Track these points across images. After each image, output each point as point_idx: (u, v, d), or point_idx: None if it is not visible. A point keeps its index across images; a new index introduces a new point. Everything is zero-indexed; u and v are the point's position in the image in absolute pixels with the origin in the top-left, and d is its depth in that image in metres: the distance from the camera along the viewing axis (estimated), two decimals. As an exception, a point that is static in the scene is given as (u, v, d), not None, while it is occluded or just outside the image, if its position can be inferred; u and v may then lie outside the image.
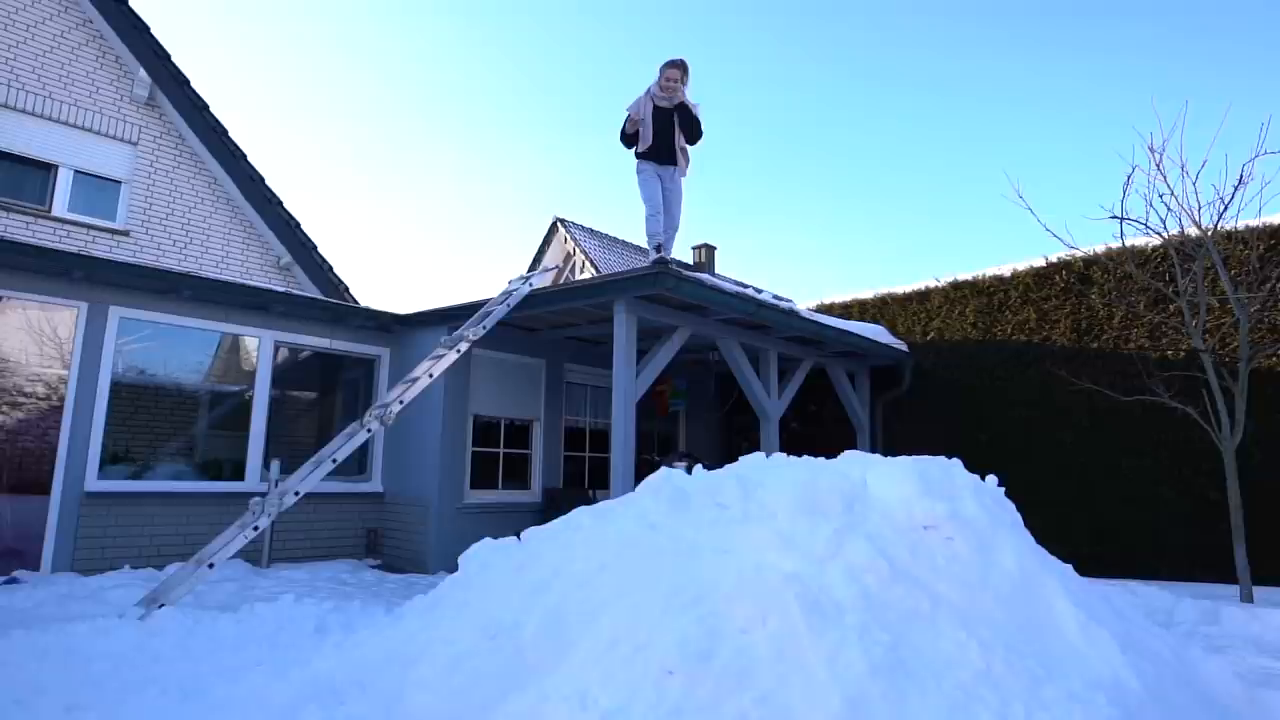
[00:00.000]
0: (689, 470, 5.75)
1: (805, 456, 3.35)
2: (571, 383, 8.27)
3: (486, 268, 57.73)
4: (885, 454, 7.89)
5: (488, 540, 3.50)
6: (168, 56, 8.49)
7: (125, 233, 8.31)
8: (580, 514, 3.22)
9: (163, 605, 4.06)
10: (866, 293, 8.72)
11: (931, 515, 2.64)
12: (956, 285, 7.89)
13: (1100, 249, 6.79)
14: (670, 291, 5.22)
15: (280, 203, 9.16)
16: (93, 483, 5.78)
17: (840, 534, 2.45)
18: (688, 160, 5.77)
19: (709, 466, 7.33)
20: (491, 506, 7.29)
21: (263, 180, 9.04)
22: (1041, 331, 7.22)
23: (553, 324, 7.13)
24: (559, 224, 15.63)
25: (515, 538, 3.52)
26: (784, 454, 3.85)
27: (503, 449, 7.66)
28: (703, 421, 9.55)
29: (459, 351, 5.51)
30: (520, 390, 7.72)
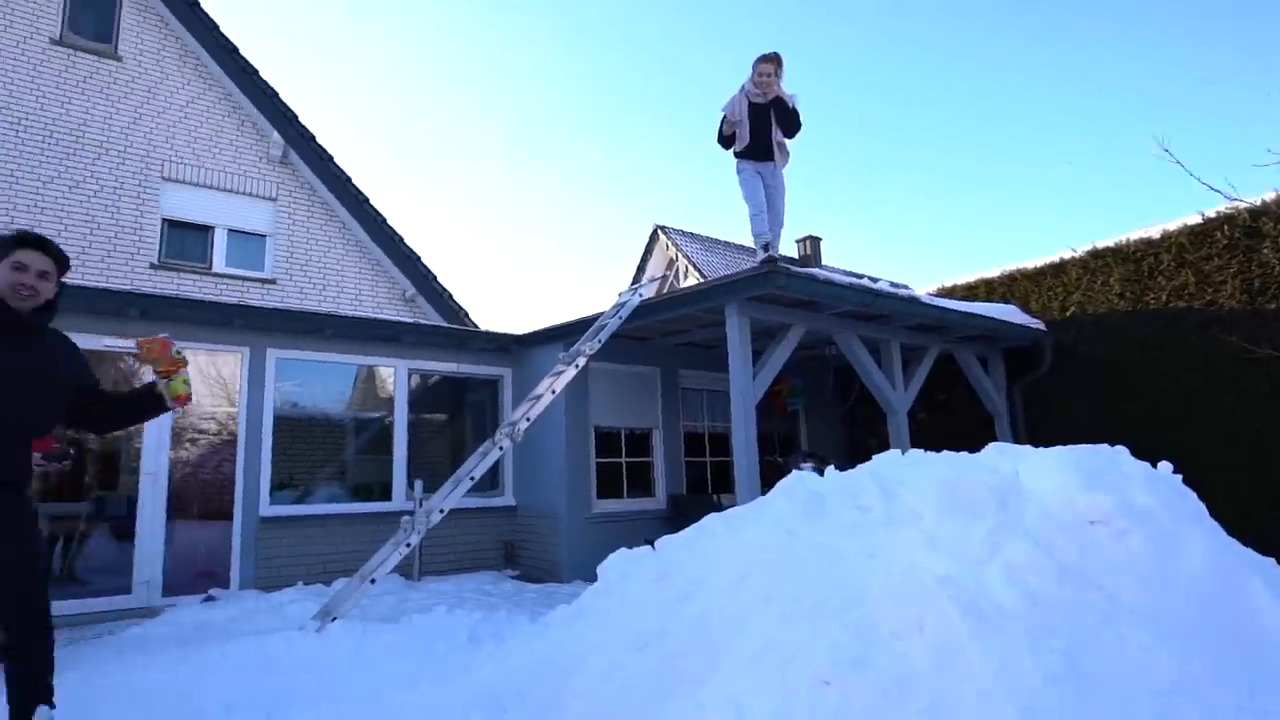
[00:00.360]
0: (818, 471, 5.59)
1: (944, 451, 3.19)
2: (686, 388, 8.30)
3: (591, 280, 59.09)
4: (1028, 441, 7.39)
5: (623, 550, 3.57)
6: (295, 117, 9.32)
7: (273, 281, 9.17)
8: (713, 521, 3.22)
9: (335, 619, 4.43)
10: (992, 271, 8.18)
11: (1098, 509, 2.44)
12: (1096, 254, 7.24)
13: (1270, 197, 6.03)
14: (781, 290, 5.14)
15: (401, 239, 9.81)
16: (266, 508, 6.40)
17: (995, 533, 2.31)
18: (787, 155, 5.66)
19: (838, 466, 7.12)
20: (619, 515, 7.42)
21: (385, 220, 9.71)
22: (1203, 295, 6.50)
23: (664, 332, 7.19)
24: (660, 231, 15.77)
25: (649, 547, 3.58)
26: (914, 448, 3.69)
27: (625, 458, 7.80)
28: (823, 418, 9.30)
29: (577, 367, 5.67)
30: (637, 399, 7.82)
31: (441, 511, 4.94)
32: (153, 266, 8.52)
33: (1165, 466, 2.84)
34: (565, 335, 7.23)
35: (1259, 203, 6.06)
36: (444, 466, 8.35)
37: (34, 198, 7.99)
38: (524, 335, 7.69)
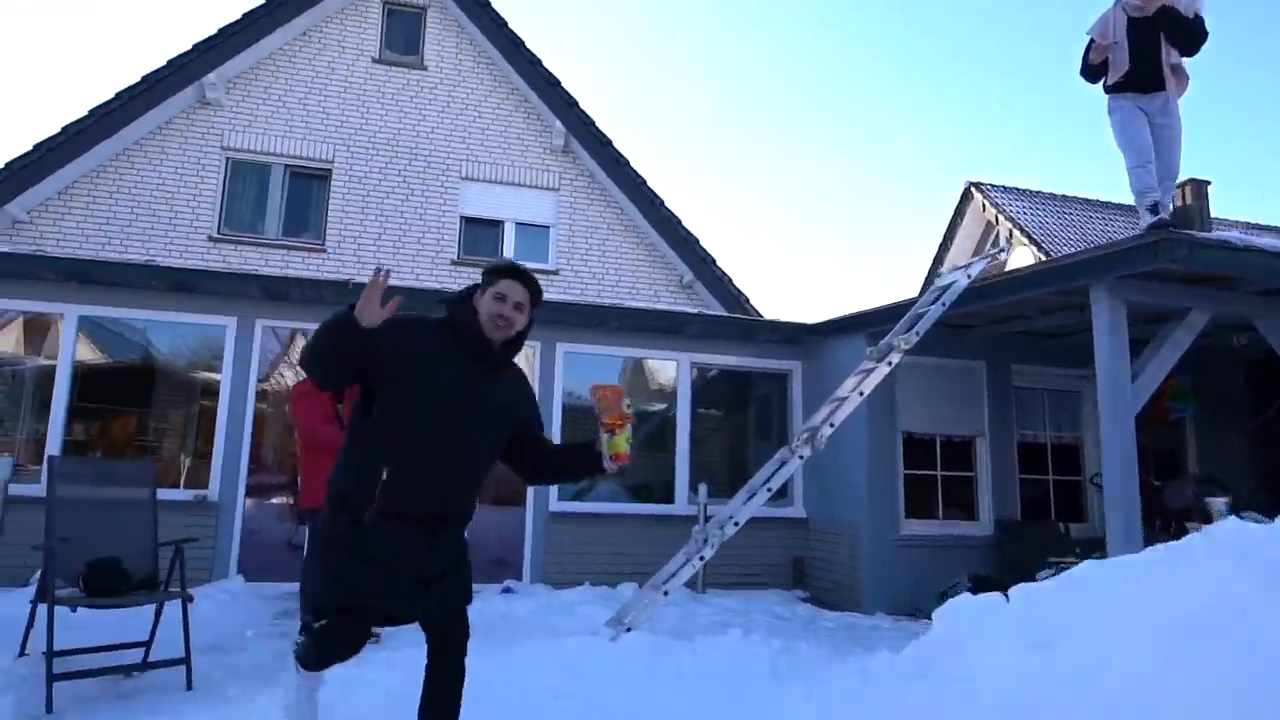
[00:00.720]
0: (1233, 511, 4.65)
1: None
2: (1020, 387, 7.48)
3: (882, 256, 56.47)
4: None
5: (967, 596, 3.27)
6: (576, 103, 10.18)
7: (555, 272, 10.16)
8: (1094, 573, 2.78)
9: (629, 629, 4.74)
10: None
11: None
12: None
13: None
14: (1178, 263, 4.30)
15: (679, 221, 10.23)
16: (555, 503, 7.11)
17: None
18: (1185, 80, 4.72)
19: (1250, 498, 5.86)
20: (931, 539, 6.96)
21: (662, 203, 10.20)
22: None
23: (993, 319, 6.54)
24: (973, 189, 14.45)
25: (1002, 595, 3.23)
26: None
27: (940, 471, 7.27)
28: (1222, 431, 7.72)
29: (889, 364, 5.38)
30: (956, 400, 7.24)
31: (736, 524, 5.02)
32: (453, 263, 9.94)
33: None
34: (867, 324, 6.92)
35: None
36: (723, 466, 8.57)
37: (360, 205, 9.79)
38: (817, 324, 7.53)
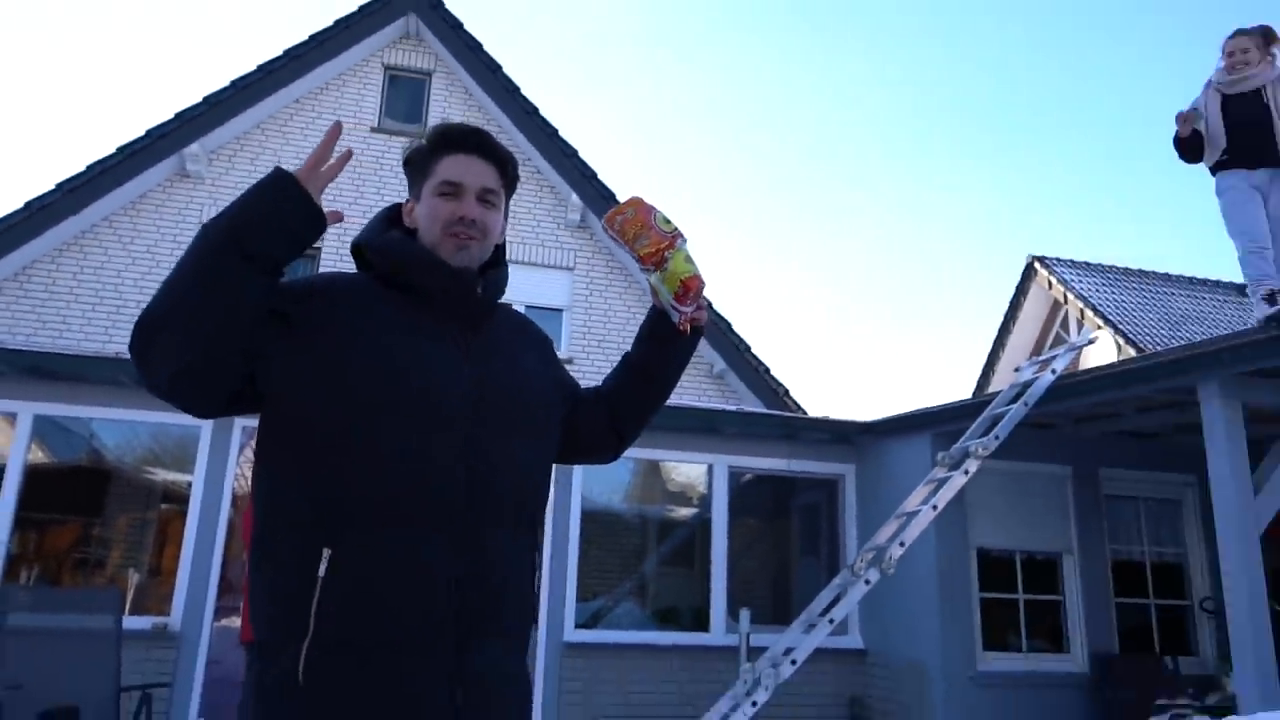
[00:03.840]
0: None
1: None
2: (1112, 495, 7.37)
3: (938, 342, 56.67)
4: None
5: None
6: (594, 175, 10.46)
7: (570, 360, 10.20)
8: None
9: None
10: None
11: None
12: None
13: None
14: (1302, 359, 4.29)
15: (710, 304, 10.33)
16: (570, 633, 6.92)
17: None
18: None
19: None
20: (1016, 678, 6.76)
21: (689, 283, 10.34)
22: None
23: (1081, 418, 6.50)
24: (1037, 264, 14.64)
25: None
26: None
27: (1022, 594, 7.09)
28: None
29: (966, 473, 5.31)
30: (1037, 510, 7.14)
31: (794, 662, 4.86)
32: (454, 349, 10.03)
33: None
34: (932, 424, 6.90)
35: None
36: (762, 586, 8.36)
37: (352, 285, 9.98)
38: (873, 422, 7.50)
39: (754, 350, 10.28)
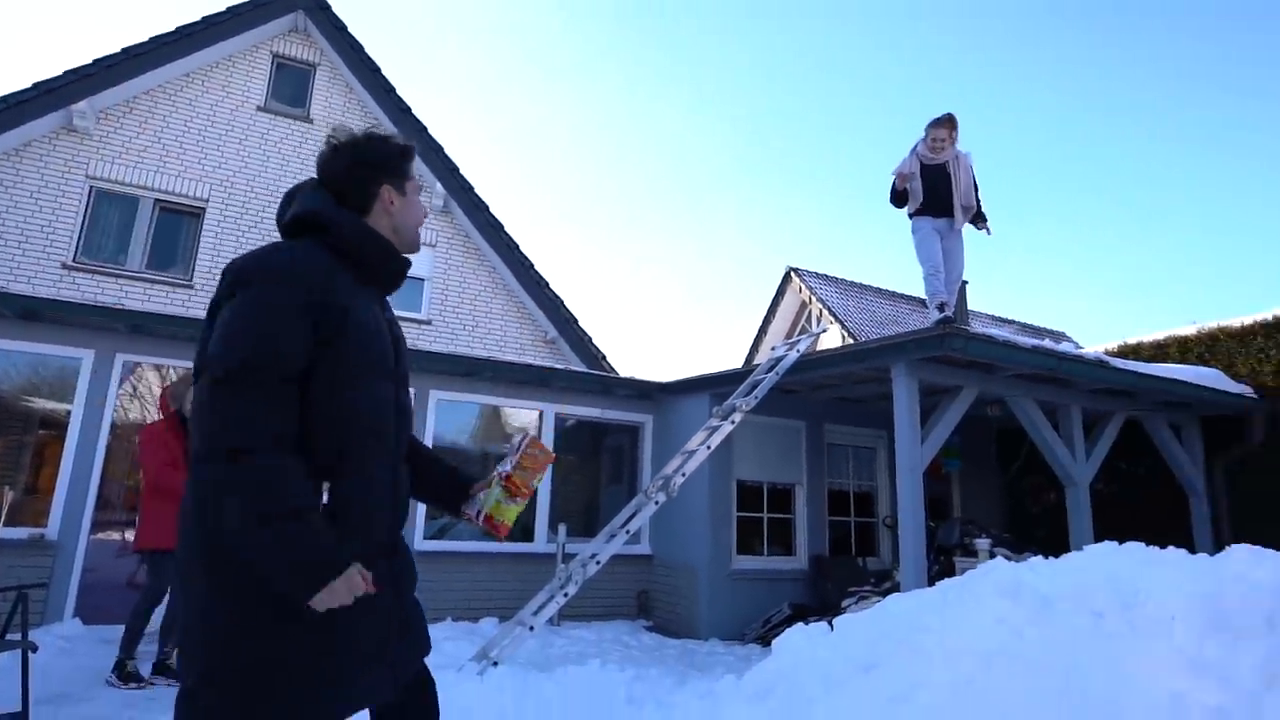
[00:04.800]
0: (991, 550, 5.25)
1: (1165, 543, 2.92)
2: (833, 444, 8.10)
3: (719, 320, 59.16)
4: (1235, 527, 6.61)
5: (800, 626, 3.49)
6: (456, 169, 10.09)
7: (428, 321, 9.87)
8: (904, 606, 3.10)
9: (495, 663, 4.61)
10: (1187, 329, 7.47)
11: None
12: (1324, 312, 6.47)
13: None
14: (957, 352, 4.94)
15: (547, 284, 10.30)
16: (420, 542, 6.80)
17: (1272, 660, 2.08)
18: (968, 213, 5.50)
19: (999, 536, 6.64)
20: (758, 573, 7.30)
21: (532, 265, 10.25)
22: None
23: (815, 386, 7.08)
24: (793, 273, 15.64)
25: (826, 624, 3.49)
26: (1095, 524, 3.39)
27: (766, 514, 7.69)
28: (980, 483, 8.76)
29: (732, 423, 5.68)
30: (781, 453, 7.72)
31: (598, 563, 5.05)
32: (327, 307, 9.41)
33: None
34: (711, 386, 7.28)
35: None
36: (579, 509, 8.55)
37: (234, 245, 9.09)
38: (668, 383, 7.81)
39: (580, 322, 10.38)
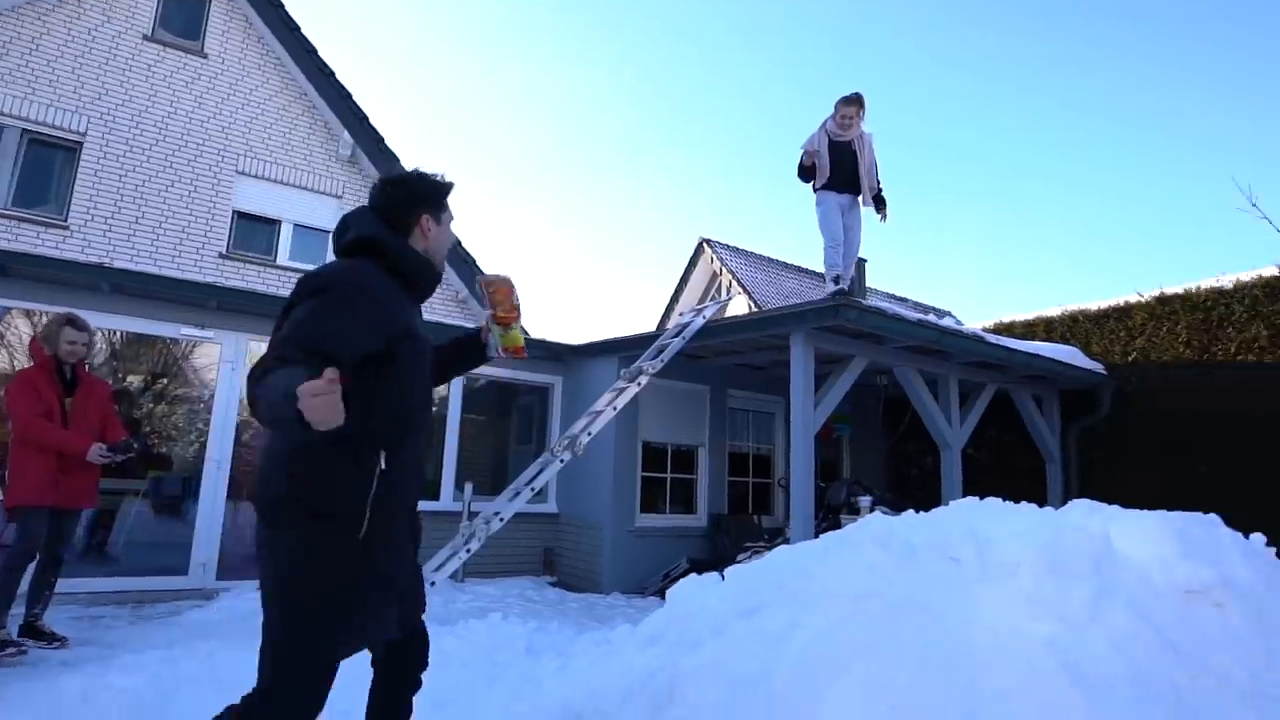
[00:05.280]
0: (873, 507, 5.55)
1: (1024, 501, 3.20)
2: (734, 408, 8.33)
3: (633, 287, 59.23)
4: (1082, 486, 7.25)
5: (694, 577, 3.61)
6: (366, 118, 9.54)
7: (334, 276, 9.40)
8: (787, 556, 3.25)
9: (395, 619, 4.54)
10: (1052, 310, 8.09)
11: (1197, 580, 2.43)
12: (1163, 300, 7.14)
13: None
14: (850, 322, 5.16)
15: (458, 242, 9.98)
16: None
17: (1097, 597, 2.32)
18: (871, 191, 5.67)
19: (883, 496, 7.04)
20: (660, 530, 7.48)
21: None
22: (1276, 349, 6.38)
23: (719, 352, 7.24)
24: (705, 244, 15.80)
25: (718, 575, 3.62)
26: (965, 484, 3.70)
27: (670, 474, 7.86)
28: (868, 447, 9.26)
29: (639, 385, 5.74)
30: (686, 416, 7.88)
31: (501, 520, 5.03)
32: (221, 256, 8.79)
33: (1259, 539, 2.83)
34: (620, 349, 7.31)
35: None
36: (487, 467, 8.47)
37: (116, 184, 8.31)
38: (578, 345, 7.79)
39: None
